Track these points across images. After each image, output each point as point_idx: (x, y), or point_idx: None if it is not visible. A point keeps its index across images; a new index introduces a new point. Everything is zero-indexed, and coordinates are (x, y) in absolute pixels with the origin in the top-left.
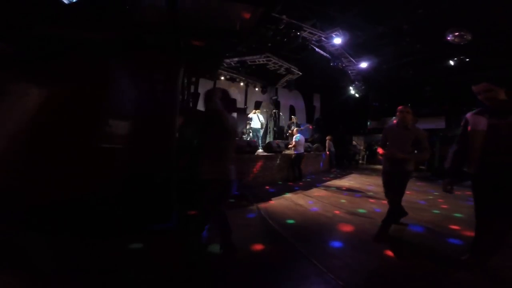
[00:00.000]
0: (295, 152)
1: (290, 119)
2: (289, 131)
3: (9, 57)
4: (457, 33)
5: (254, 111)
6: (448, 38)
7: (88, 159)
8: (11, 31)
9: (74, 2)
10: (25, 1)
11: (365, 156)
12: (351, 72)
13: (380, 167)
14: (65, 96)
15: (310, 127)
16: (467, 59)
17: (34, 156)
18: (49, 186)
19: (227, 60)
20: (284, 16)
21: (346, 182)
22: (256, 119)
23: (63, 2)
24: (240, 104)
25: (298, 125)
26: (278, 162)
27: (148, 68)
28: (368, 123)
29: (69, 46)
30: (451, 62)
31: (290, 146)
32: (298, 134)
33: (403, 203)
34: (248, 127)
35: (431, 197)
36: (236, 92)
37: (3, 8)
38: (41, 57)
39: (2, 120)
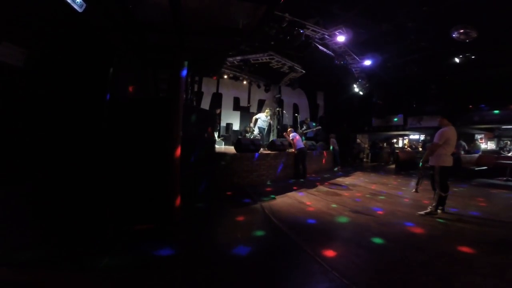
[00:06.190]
0: (297, 148)
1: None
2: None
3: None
4: (462, 30)
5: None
6: (454, 35)
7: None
8: (27, 36)
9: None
10: (38, 6)
11: (370, 154)
12: (355, 70)
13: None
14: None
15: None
16: (473, 57)
17: None
18: None
19: (230, 59)
20: (287, 14)
21: (350, 180)
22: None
23: (76, 10)
24: (243, 102)
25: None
26: (281, 160)
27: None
28: (373, 121)
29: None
30: (457, 60)
31: (289, 140)
32: (292, 133)
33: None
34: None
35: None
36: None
37: (19, 13)
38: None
39: None
